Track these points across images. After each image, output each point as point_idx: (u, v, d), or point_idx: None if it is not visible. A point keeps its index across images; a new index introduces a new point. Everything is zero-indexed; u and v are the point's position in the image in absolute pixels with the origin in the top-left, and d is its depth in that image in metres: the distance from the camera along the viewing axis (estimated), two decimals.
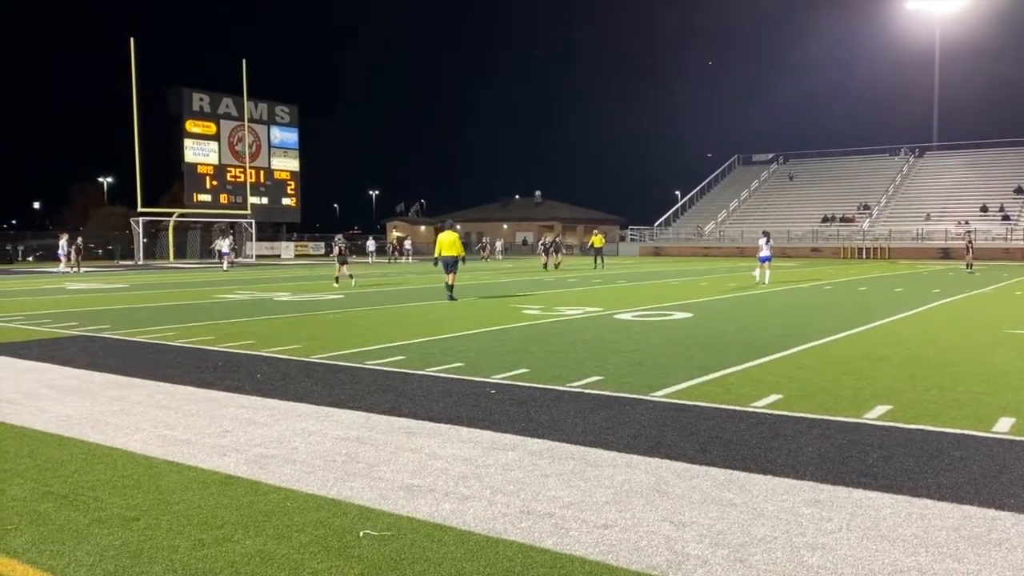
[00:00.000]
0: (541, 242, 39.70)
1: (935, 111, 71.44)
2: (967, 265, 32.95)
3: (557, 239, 40.89)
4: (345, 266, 22.87)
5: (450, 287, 17.45)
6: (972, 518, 3.92)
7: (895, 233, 54.39)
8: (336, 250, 23.21)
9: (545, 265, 35.93)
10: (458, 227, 18.81)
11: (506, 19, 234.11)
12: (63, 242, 34.50)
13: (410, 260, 47.99)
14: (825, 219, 60.55)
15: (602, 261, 37.47)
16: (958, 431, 5.59)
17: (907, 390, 7.07)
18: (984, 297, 18.32)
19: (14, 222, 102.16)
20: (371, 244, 50.75)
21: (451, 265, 17.37)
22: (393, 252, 51.35)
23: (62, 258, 34.16)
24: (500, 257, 52.85)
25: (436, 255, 17.72)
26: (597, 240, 38.44)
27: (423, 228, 78.58)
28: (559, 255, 37.60)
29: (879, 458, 4.93)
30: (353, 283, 22.60)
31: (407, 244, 52.32)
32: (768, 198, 69.04)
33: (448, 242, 17.42)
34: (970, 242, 33.75)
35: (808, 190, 67.71)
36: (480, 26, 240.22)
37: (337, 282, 22.55)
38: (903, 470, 4.68)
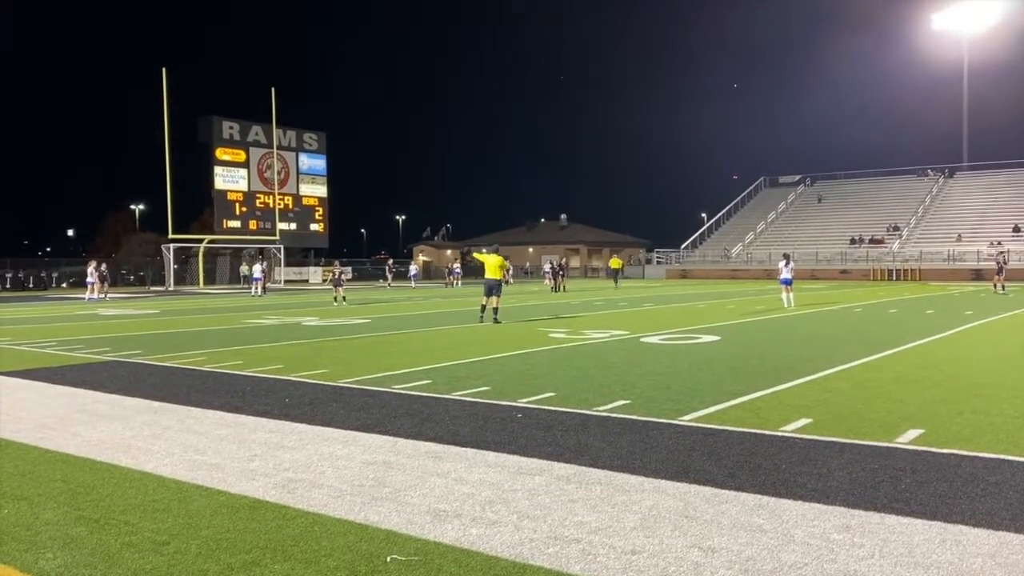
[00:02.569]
0: (547, 266, 42.11)
1: (964, 131, 70.87)
2: (997, 286, 32.08)
3: (563, 261, 44.12)
4: (341, 288, 27.38)
5: (484, 309, 17.58)
6: (1009, 545, 3.84)
7: (926, 254, 53.77)
8: (331, 275, 29.74)
9: (552, 288, 36.94)
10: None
11: (532, 44, 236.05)
12: (91, 269, 34.58)
13: (457, 284, 47.80)
14: (853, 241, 60.02)
15: (616, 282, 41.32)
16: (993, 456, 5.49)
17: (940, 414, 6.96)
18: (1018, 319, 18.00)
19: (48, 249, 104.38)
20: (413, 269, 52.89)
21: (491, 288, 17.46)
22: (449, 276, 51.29)
23: (89, 285, 34.15)
24: (511, 282, 52.98)
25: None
26: (615, 262, 44.03)
27: (449, 252, 78.94)
28: (561, 278, 38.96)
29: (912, 483, 4.85)
30: (341, 304, 26.25)
31: (456, 268, 52.35)
32: (795, 220, 68.62)
33: (493, 265, 17.50)
34: (1004, 263, 33.04)
35: (836, 212, 67.23)
36: (507, 50, 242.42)
37: (336, 301, 26.88)
38: (937, 495, 4.60)
